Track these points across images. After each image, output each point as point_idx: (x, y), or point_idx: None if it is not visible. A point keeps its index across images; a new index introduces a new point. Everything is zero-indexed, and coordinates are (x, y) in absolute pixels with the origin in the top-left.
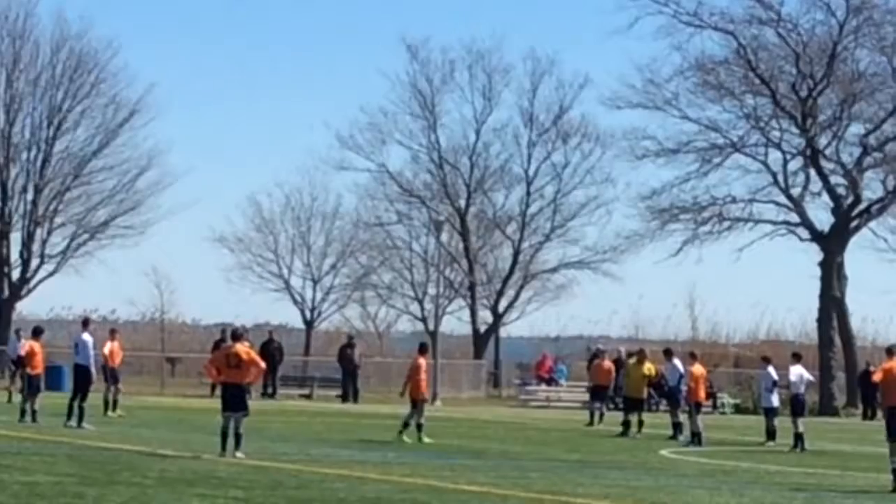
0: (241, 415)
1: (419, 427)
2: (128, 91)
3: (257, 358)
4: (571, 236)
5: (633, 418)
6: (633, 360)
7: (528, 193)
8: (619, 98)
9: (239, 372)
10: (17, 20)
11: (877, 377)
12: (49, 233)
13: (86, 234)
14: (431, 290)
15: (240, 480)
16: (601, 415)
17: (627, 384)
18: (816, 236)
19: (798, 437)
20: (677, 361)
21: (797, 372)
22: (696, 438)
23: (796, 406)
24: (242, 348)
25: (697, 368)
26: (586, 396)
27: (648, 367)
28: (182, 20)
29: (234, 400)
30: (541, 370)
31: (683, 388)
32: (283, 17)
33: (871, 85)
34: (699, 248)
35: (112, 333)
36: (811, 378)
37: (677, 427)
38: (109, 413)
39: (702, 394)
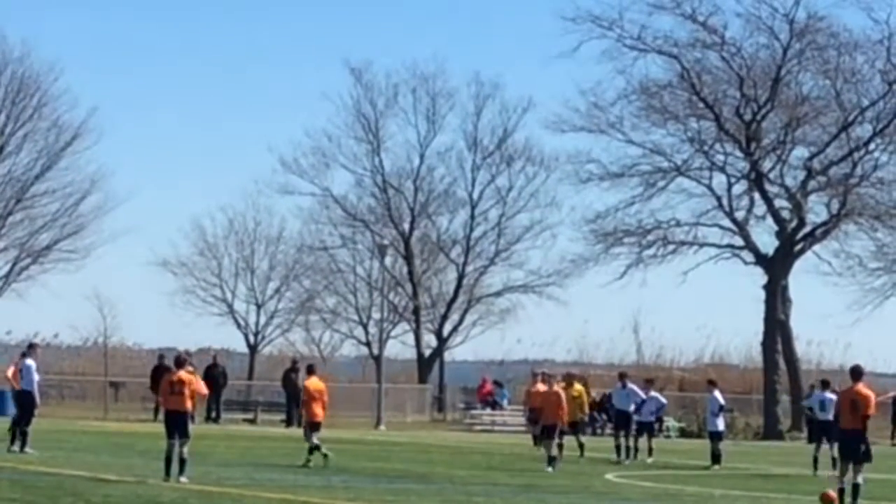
0: (184, 440)
1: (314, 448)
2: (70, 114)
3: (199, 386)
4: (516, 260)
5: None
6: (562, 384)
7: (473, 217)
8: (564, 121)
9: (182, 398)
10: None
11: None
12: None
13: (28, 258)
14: (375, 315)
15: None
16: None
17: None
18: (761, 260)
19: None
20: (633, 386)
21: (829, 398)
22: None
23: (832, 431)
24: (186, 375)
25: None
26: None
27: (578, 390)
28: (124, 44)
29: (178, 425)
30: (481, 394)
31: (650, 415)
32: (226, 40)
33: (814, 108)
34: (644, 271)
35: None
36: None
37: (620, 450)
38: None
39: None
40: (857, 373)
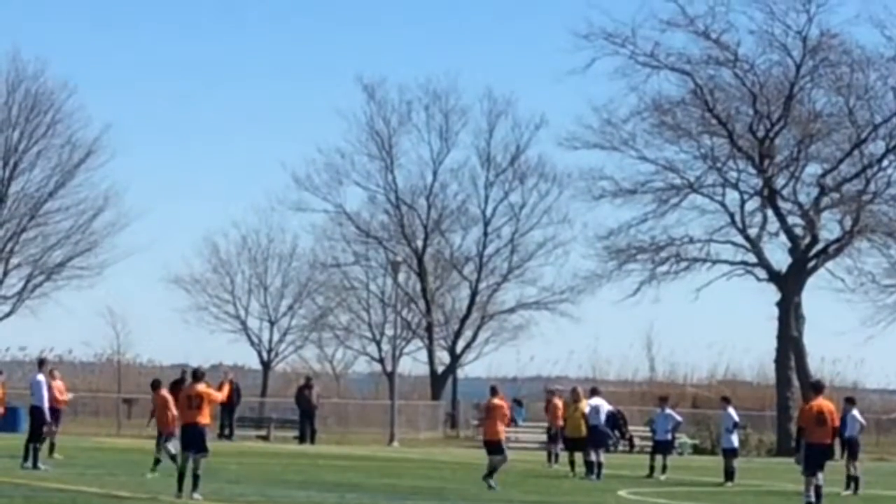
0: (201, 455)
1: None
2: (84, 131)
3: (214, 393)
4: (529, 277)
5: (579, 458)
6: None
7: (486, 234)
8: (576, 138)
9: (199, 413)
10: None
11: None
12: (5, 274)
13: (42, 275)
14: (389, 331)
15: None
16: (556, 455)
17: (566, 424)
18: (774, 276)
19: (854, 480)
20: (601, 401)
21: (852, 415)
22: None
23: (852, 448)
24: (204, 389)
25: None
26: (544, 437)
27: (586, 405)
28: (137, 61)
29: (195, 440)
30: None
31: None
32: (240, 56)
33: (827, 125)
34: (656, 288)
35: (51, 373)
36: (863, 422)
37: (591, 465)
38: (56, 455)
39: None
40: (818, 387)
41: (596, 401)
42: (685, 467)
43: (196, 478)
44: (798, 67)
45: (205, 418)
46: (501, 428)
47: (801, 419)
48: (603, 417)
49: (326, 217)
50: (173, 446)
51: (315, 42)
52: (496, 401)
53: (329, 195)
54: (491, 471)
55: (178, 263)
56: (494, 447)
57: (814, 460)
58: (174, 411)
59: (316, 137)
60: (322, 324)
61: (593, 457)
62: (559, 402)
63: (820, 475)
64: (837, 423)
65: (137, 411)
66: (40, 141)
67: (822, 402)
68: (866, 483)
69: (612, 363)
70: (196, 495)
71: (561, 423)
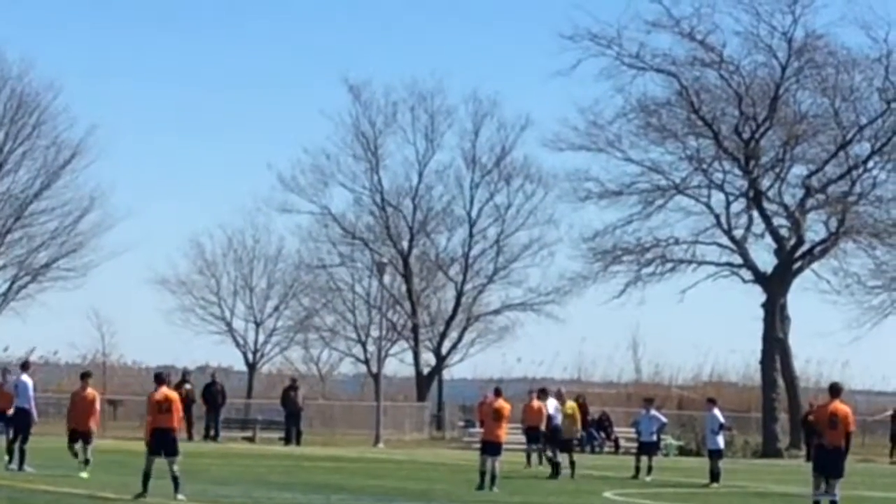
0: (173, 458)
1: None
2: (69, 132)
3: (178, 402)
4: (514, 278)
5: (564, 459)
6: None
7: (471, 235)
8: (562, 140)
9: (170, 416)
10: None
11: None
12: None
13: (27, 276)
14: (374, 333)
15: None
16: (539, 456)
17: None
18: (759, 278)
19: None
20: (552, 401)
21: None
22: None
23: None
24: (172, 393)
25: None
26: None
27: (571, 406)
28: (123, 61)
29: (166, 444)
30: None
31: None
32: (226, 57)
33: (813, 126)
34: (642, 289)
35: (3, 375)
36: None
37: (557, 466)
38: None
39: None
40: (835, 390)
41: (554, 402)
42: (670, 468)
43: (175, 479)
44: (783, 69)
45: (176, 422)
46: (506, 429)
47: (814, 418)
48: (559, 418)
49: (312, 218)
50: (91, 450)
51: (300, 43)
52: (503, 402)
53: (315, 196)
54: (493, 477)
55: (164, 265)
56: (497, 448)
57: (822, 461)
58: (97, 409)
59: (301, 138)
60: (307, 325)
61: (551, 454)
62: (535, 404)
63: (837, 488)
64: (852, 427)
65: (122, 413)
66: (25, 142)
67: (838, 406)
68: (852, 484)
69: (597, 364)
70: (179, 496)
71: (533, 423)
